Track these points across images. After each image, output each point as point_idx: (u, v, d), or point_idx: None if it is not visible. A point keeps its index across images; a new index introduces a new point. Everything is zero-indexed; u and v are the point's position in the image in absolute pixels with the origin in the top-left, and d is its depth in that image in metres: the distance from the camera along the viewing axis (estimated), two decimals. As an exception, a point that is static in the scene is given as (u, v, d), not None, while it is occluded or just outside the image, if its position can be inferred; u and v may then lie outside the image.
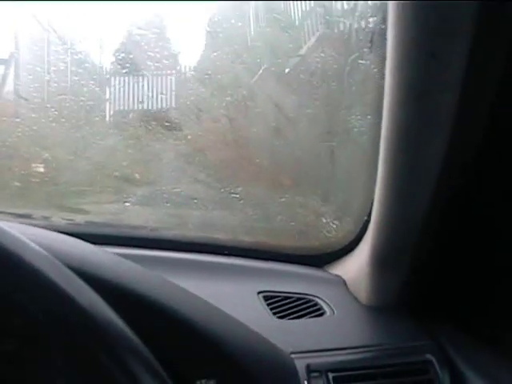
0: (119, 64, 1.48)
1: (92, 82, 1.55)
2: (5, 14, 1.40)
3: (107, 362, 0.60)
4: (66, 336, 0.61)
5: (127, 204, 1.45)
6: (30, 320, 0.63)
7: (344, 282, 1.26)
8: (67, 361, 0.67)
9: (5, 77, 1.50)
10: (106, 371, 0.60)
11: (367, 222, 1.14)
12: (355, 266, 1.22)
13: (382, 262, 1.10)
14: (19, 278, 0.60)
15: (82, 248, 0.85)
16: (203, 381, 0.86)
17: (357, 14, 1.18)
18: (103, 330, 0.61)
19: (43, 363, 0.70)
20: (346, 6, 1.30)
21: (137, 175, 1.49)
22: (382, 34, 0.88)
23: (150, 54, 1.46)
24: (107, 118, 1.58)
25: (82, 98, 1.51)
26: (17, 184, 1.45)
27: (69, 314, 0.60)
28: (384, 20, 0.86)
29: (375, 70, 1.00)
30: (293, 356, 0.97)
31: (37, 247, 0.62)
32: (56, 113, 1.47)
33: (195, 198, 1.46)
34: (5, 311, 0.63)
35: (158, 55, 1.49)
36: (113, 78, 1.53)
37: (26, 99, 1.50)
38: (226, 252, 1.34)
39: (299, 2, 1.42)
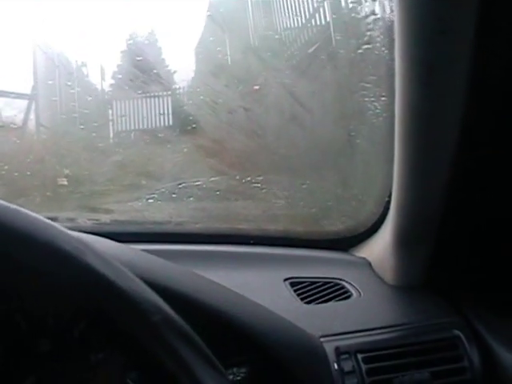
0: (137, 68, 1.50)
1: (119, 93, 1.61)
2: (23, 54, 1.49)
3: (158, 350, 0.61)
4: (109, 324, 0.62)
5: (150, 200, 1.47)
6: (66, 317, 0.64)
7: (369, 264, 1.26)
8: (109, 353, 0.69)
9: (28, 108, 1.60)
10: (155, 358, 0.61)
11: (388, 202, 1.14)
12: (379, 247, 1.23)
13: (405, 241, 1.11)
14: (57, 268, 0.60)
15: (109, 246, 0.86)
16: (235, 369, 0.87)
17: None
18: (149, 314, 0.61)
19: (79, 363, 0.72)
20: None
21: (157, 171, 1.51)
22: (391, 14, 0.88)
23: (163, 57, 1.48)
24: (125, 118, 1.61)
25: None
26: (42, 188, 1.48)
27: (109, 299, 0.61)
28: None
29: (386, 51, 1.00)
30: (322, 340, 0.98)
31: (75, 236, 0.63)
32: (76, 115, 1.51)
33: (217, 190, 1.47)
34: (39, 310, 0.65)
35: (169, 54, 1.51)
36: (130, 81, 1.56)
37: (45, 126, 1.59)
38: (251, 241, 1.35)
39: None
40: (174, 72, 1.63)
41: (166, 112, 1.56)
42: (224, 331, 0.85)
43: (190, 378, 0.60)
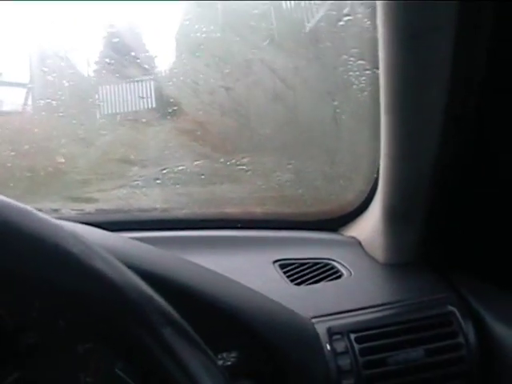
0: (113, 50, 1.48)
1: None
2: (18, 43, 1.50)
3: (148, 339, 0.58)
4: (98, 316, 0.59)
5: (135, 188, 1.44)
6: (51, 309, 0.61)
7: (359, 243, 1.25)
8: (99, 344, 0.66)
9: (27, 97, 1.64)
10: (145, 348, 0.58)
11: (377, 179, 1.12)
12: (369, 226, 1.21)
13: (394, 218, 1.09)
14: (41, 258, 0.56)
15: (97, 234, 0.84)
16: (225, 354, 0.86)
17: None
18: (140, 305, 0.59)
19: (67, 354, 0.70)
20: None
21: (140, 158, 1.49)
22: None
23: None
24: (107, 103, 1.59)
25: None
26: (23, 179, 1.46)
27: (101, 290, 0.57)
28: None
29: (368, 22, 0.98)
30: (313, 321, 0.96)
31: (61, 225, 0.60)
32: (54, 104, 1.49)
33: (202, 174, 1.44)
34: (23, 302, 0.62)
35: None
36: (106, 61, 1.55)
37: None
38: (239, 225, 1.33)
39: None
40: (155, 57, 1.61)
41: (147, 95, 1.54)
42: (212, 315, 0.84)
43: (178, 365, 0.58)
